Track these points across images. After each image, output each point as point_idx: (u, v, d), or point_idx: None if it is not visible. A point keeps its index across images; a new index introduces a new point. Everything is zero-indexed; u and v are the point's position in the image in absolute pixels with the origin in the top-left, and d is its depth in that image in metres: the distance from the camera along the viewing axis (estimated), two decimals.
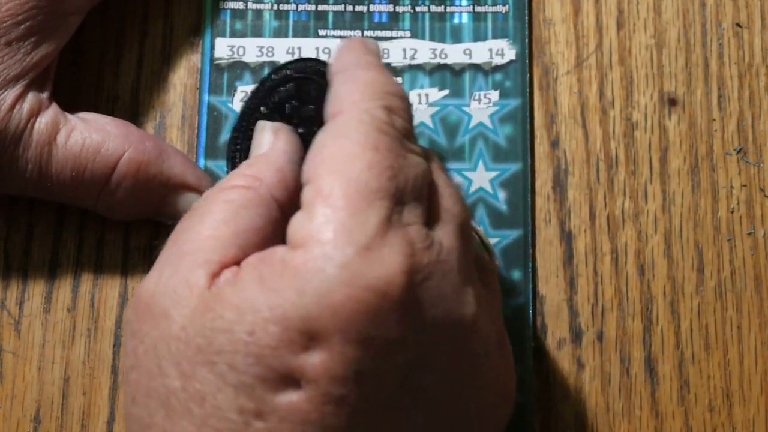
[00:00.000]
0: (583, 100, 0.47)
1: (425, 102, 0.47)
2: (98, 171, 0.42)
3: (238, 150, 0.42)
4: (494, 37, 0.47)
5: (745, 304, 0.45)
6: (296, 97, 0.41)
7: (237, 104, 0.47)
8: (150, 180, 0.43)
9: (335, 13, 0.48)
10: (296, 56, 0.47)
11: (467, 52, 0.47)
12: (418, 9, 0.48)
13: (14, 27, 0.42)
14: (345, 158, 0.34)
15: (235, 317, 0.32)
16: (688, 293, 0.45)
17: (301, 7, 0.48)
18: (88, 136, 0.42)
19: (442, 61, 0.47)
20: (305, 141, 0.39)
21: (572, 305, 0.45)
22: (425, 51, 0.47)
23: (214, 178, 0.45)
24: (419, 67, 0.47)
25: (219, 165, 0.46)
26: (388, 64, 0.47)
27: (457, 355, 0.35)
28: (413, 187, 0.35)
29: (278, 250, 0.34)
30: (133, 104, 0.47)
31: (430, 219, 0.36)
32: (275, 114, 0.42)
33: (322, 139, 0.35)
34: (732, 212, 0.46)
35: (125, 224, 0.45)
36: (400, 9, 0.48)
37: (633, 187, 0.46)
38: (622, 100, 0.47)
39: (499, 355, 0.37)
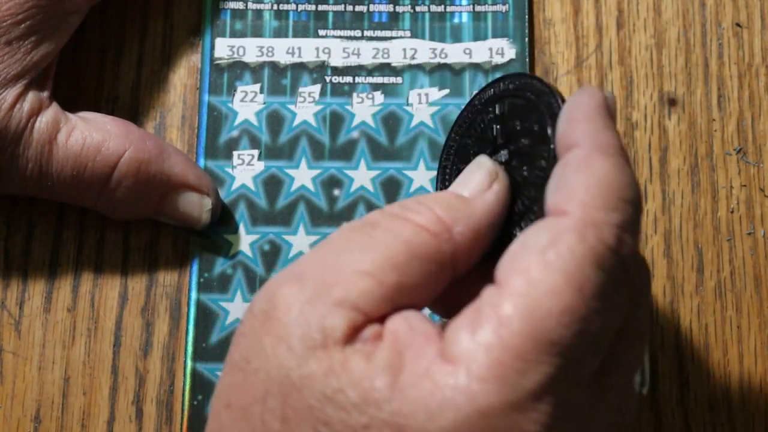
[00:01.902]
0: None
1: (425, 102, 0.47)
2: (99, 170, 0.42)
3: (457, 141, 0.39)
4: (494, 36, 0.47)
5: (744, 304, 0.45)
6: (520, 119, 0.37)
7: (237, 104, 0.47)
8: (150, 179, 0.43)
9: (335, 13, 0.48)
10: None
11: (467, 51, 0.47)
12: (418, 9, 0.48)
13: (14, 26, 0.42)
14: (542, 288, 0.30)
15: (356, 401, 0.30)
16: (687, 293, 0.45)
17: (301, 7, 0.48)
18: (88, 135, 0.42)
19: (442, 61, 0.47)
20: (512, 174, 0.36)
21: None
22: (425, 51, 0.47)
23: (214, 178, 0.45)
24: (419, 67, 0.47)
25: (219, 165, 0.46)
26: (388, 64, 0.47)
27: None
28: (599, 343, 0.31)
29: (428, 351, 0.31)
30: (133, 104, 0.47)
31: (602, 370, 0.32)
32: (498, 126, 0.37)
33: (533, 241, 0.31)
34: (732, 212, 0.46)
35: (125, 224, 0.45)
36: (400, 9, 0.48)
37: None
38: (622, 100, 0.47)
39: None
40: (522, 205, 0.35)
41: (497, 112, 0.38)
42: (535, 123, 0.36)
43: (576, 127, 0.33)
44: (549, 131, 0.34)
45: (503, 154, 0.37)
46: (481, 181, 0.35)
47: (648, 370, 0.39)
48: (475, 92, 0.40)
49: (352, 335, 0.31)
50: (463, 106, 0.40)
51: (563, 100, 0.35)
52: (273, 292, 0.32)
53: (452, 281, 0.34)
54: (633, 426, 0.42)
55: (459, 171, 0.37)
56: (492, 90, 0.38)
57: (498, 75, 0.47)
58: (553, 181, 0.33)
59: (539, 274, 0.30)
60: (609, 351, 0.32)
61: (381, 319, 0.32)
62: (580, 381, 0.31)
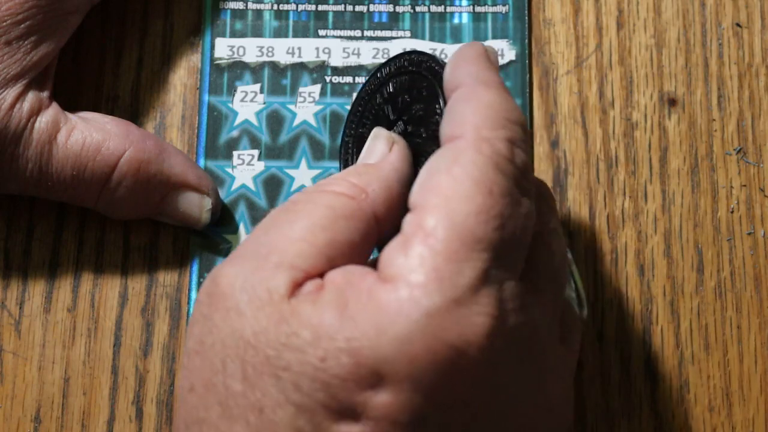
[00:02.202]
0: (582, 100, 0.47)
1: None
2: (99, 170, 0.42)
3: (351, 135, 0.42)
4: (494, 37, 0.47)
5: (744, 304, 0.45)
6: (408, 93, 0.40)
7: (237, 104, 0.47)
8: (150, 179, 0.43)
9: (335, 13, 0.48)
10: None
11: (456, 50, 0.47)
12: (418, 9, 0.48)
13: (14, 26, 0.42)
14: (455, 196, 0.33)
15: (309, 339, 0.32)
16: (687, 293, 0.45)
17: (301, 7, 0.48)
18: (88, 135, 0.42)
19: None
20: (411, 141, 0.39)
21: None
22: (423, 49, 0.47)
23: (214, 178, 0.46)
24: None
25: (219, 165, 0.46)
26: None
27: (520, 413, 0.34)
28: (518, 238, 0.34)
29: (367, 278, 0.33)
30: (133, 104, 0.47)
31: (527, 269, 0.35)
32: (389, 105, 0.40)
33: (437, 165, 0.34)
34: (732, 212, 0.46)
35: (125, 224, 0.45)
36: (400, 9, 0.48)
37: (633, 187, 0.46)
38: (622, 100, 0.47)
39: (559, 411, 0.36)
40: (425, 162, 0.38)
41: (385, 95, 0.41)
42: (423, 89, 0.39)
43: (459, 70, 0.37)
44: (437, 88, 0.38)
45: (399, 126, 0.40)
46: (381, 148, 0.38)
47: (583, 293, 0.41)
48: (358, 89, 0.42)
49: (294, 290, 0.33)
50: (351, 104, 0.42)
51: (443, 62, 0.38)
52: (214, 275, 0.35)
53: (386, 233, 0.36)
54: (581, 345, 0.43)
55: None
56: (374, 79, 0.41)
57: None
58: (445, 117, 0.36)
59: (450, 187, 0.33)
60: (530, 251, 0.35)
61: (320, 276, 0.34)
62: (511, 274, 0.33)
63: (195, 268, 0.45)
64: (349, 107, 0.42)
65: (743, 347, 0.45)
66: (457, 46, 0.47)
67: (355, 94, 0.43)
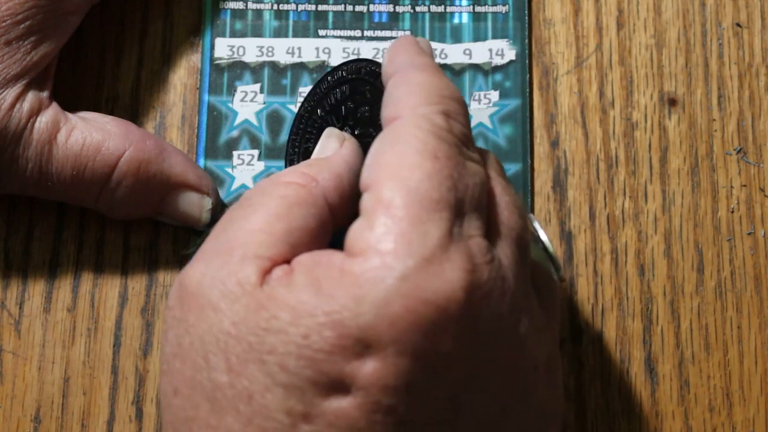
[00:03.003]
0: (583, 100, 0.47)
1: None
2: (99, 170, 0.42)
3: (296, 153, 0.42)
4: (494, 37, 0.47)
5: (745, 304, 0.45)
6: (351, 99, 0.41)
7: (237, 104, 0.47)
8: (150, 179, 0.43)
9: (335, 13, 0.48)
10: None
11: (467, 52, 0.47)
12: (418, 9, 0.48)
13: (14, 26, 0.42)
14: (404, 166, 0.34)
15: (290, 319, 0.32)
16: (688, 293, 0.45)
17: (301, 7, 0.48)
18: (88, 135, 0.42)
19: (442, 61, 0.47)
20: (361, 143, 0.40)
21: (572, 305, 0.45)
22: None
23: (214, 178, 0.46)
24: None
25: (219, 165, 0.46)
26: None
27: (507, 374, 0.34)
28: (472, 197, 0.34)
29: (335, 256, 0.33)
30: (133, 104, 0.47)
31: (489, 231, 0.35)
32: (332, 116, 0.41)
33: (381, 146, 0.35)
34: (732, 212, 0.46)
35: (125, 224, 0.45)
36: (400, 9, 0.48)
37: (633, 187, 0.46)
38: (622, 100, 0.47)
39: (547, 376, 0.36)
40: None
41: (326, 107, 0.42)
42: (366, 92, 0.40)
43: (393, 61, 0.39)
44: (380, 87, 0.39)
45: (347, 131, 0.41)
46: (333, 144, 0.40)
47: (554, 254, 0.41)
48: (297, 109, 0.43)
49: (264, 277, 0.34)
50: (290, 125, 0.43)
51: (380, 63, 0.40)
52: (180, 280, 0.35)
53: (340, 223, 0.37)
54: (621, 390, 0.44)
55: None
56: (315, 95, 0.42)
57: (498, 75, 0.47)
58: (383, 103, 0.37)
59: (397, 161, 0.34)
60: (487, 216, 0.35)
61: (287, 262, 0.34)
62: (475, 232, 0.34)
63: None
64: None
65: (743, 347, 0.45)
66: (457, 45, 0.47)
67: (291, 118, 0.44)
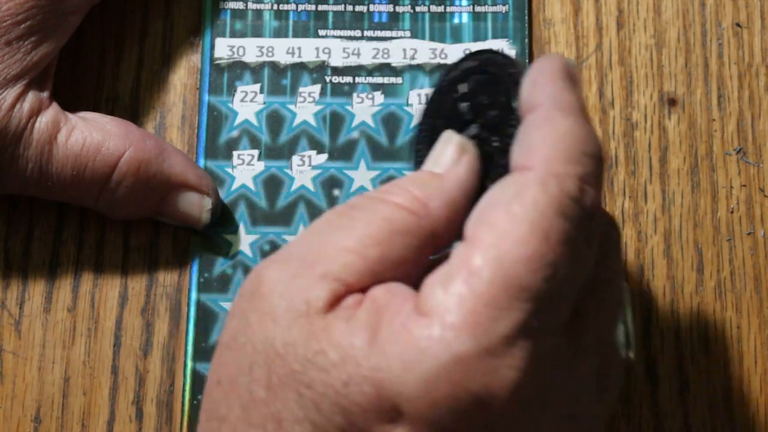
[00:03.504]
0: (582, 100, 0.47)
1: (425, 102, 0.47)
2: (99, 170, 0.42)
3: (428, 125, 0.40)
4: (494, 37, 0.47)
5: (744, 304, 0.45)
6: (486, 94, 0.38)
7: (237, 104, 0.47)
8: (150, 179, 0.43)
9: (335, 13, 0.48)
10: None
11: (467, 52, 0.47)
12: (418, 9, 0.48)
13: (14, 26, 0.42)
14: (509, 237, 0.31)
15: (336, 360, 0.31)
16: (688, 293, 0.45)
17: (301, 7, 0.48)
18: (88, 135, 0.42)
19: (442, 61, 0.47)
20: (483, 147, 0.37)
21: None
22: (425, 51, 0.47)
23: (214, 178, 0.45)
24: (419, 67, 0.47)
25: (219, 165, 0.46)
26: (388, 65, 0.47)
27: None
28: (568, 292, 0.32)
29: (405, 306, 0.32)
30: (133, 104, 0.47)
31: (573, 323, 0.33)
32: (466, 102, 0.39)
33: (499, 196, 0.32)
34: (732, 212, 0.46)
35: (125, 224, 0.45)
36: (400, 9, 0.48)
37: (633, 187, 0.46)
38: (622, 100, 0.47)
39: None
40: (496, 174, 0.36)
41: (464, 90, 0.39)
42: (501, 94, 0.37)
43: (537, 89, 0.35)
44: (514, 99, 0.36)
45: (473, 128, 0.38)
46: (450, 155, 0.36)
47: (632, 334, 0.39)
48: (440, 75, 0.40)
49: (334, 304, 0.32)
50: (431, 91, 0.41)
51: (524, 69, 0.36)
52: (259, 273, 0.34)
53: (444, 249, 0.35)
54: (620, 390, 0.42)
55: None
56: (456, 70, 0.39)
57: None
58: (517, 142, 0.34)
59: (506, 226, 0.31)
60: (578, 303, 0.33)
61: (363, 290, 0.33)
62: (552, 328, 0.31)
63: (195, 268, 0.45)
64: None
65: (743, 347, 0.45)
66: (457, 45, 0.47)
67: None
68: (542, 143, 0.33)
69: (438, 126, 0.40)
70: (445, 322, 0.30)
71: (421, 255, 0.34)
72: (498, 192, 0.33)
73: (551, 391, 0.32)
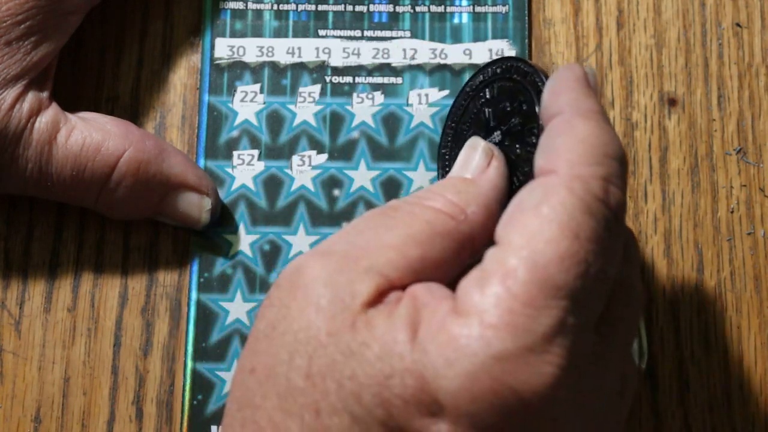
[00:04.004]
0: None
1: (425, 102, 0.47)
2: (98, 170, 0.42)
3: (453, 129, 0.41)
4: (494, 37, 0.47)
5: (744, 304, 0.45)
6: (510, 101, 0.39)
7: (237, 104, 0.47)
8: (150, 179, 0.43)
9: (335, 13, 0.48)
10: (294, 56, 0.47)
11: (467, 52, 0.47)
12: (418, 9, 0.48)
13: (14, 26, 0.42)
14: (540, 238, 0.32)
15: (379, 353, 0.32)
16: (688, 293, 0.45)
17: (301, 7, 0.48)
18: (88, 135, 0.42)
19: (442, 61, 0.47)
20: (506, 154, 0.38)
21: None
22: (425, 51, 0.47)
23: (214, 178, 0.46)
24: (419, 67, 0.47)
25: (219, 165, 0.46)
26: (388, 65, 0.47)
27: None
28: (600, 288, 0.33)
29: (443, 305, 0.32)
30: (133, 104, 0.47)
31: (603, 321, 0.33)
32: (490, 108, 0.40)
33: (526, 200, 0.33)
34: (732, 212, 0.46)
35: (125, 224, 0.45)
36: (400, 9, 0.48)
37: (633, 187, 0.46)
38: (622, 100, 0.47)
39: None
40: (518, 181, 0.37)
41: (488, 96, 0.40)
42: (523, 102, 0.38)
43: (558, 97, 0.36)
44: (536, 108, 0.37)
45: (497, 135, 0.39)
46: (479, 161, 0.38)
47: (645, 343, 0.40)
48: (466, 79, 0.41)
49: (377, 298, 0.33)
50: (456, 95, 0.42)
51: (547, 77, 0.37)
52: (300, 265, 0.34)
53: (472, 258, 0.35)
54: (633, 402, 0.43)
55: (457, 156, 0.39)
56: (481, 75, 0.41)
57: None
58: (540, 147, 0.35)
59: (536, 227, 0.32)
60: (607, 305, 0.33)
61: (403, 288, 0.34)
62: (587, 326, 0.32)
63: (195, 268, 0.45)
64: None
65: (743, 347, 0.45)
66: (457, 46, 0.47)
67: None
68: (565, 148, 0.34)
69: (463, 131, 0.41)
70: (483, 322, 0.31)
71: (459, 258, 0.35)
72: (525, 196, 0.33)
73: (586, 389, 0.32)
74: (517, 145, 0.38)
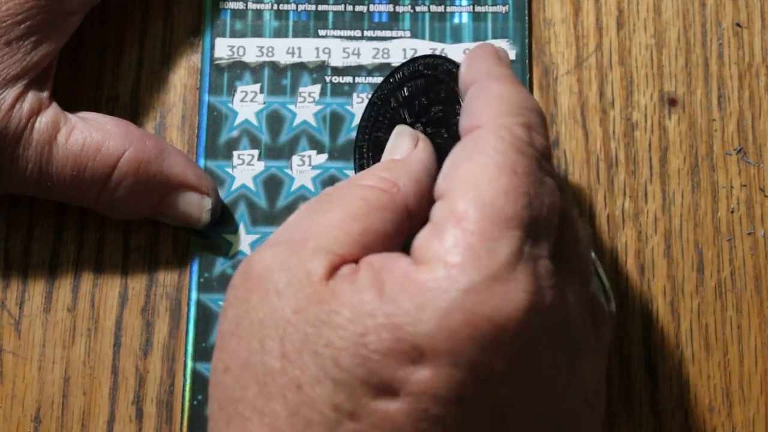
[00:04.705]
0: (583, 100, 0.47)
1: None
2: (99, 170, 0.42)
3: (366, 141, 0.42)
4: (494, 37, 0.47)
5: (745, 304, 0.45)
6: (425, 95, 0.41)
7: (237, 104, 0.47)
8: (150, 179, 0.43)
9: (335, 13, 0.48)
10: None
11: (467, 52, 0.47)
12: (418, 9, 0.48)
13: (14, 26, 0.42)
14: (482, 179, 0.34)
15: (350, 316, 0.32)
16: (688, 293, 0.45)
17: (301, 7, 0.48)
18: (88, 135, 0.42)
19: None
20: (433, 142, 0.39)
21: None
22: (425, 51, 0.47)
23: (214, 178, 0.46)
24: None
25: (219, 165, 0.46)
26: (388, 64, 0.47)
27: (556, 400, 0.34)
28: (547, 216, 0.34)
29: (402, 260, 0.33)
30: (133, 104, 0.47)
31: (556, 253, 0.35)
32: (404, 108, 0.41)
33: (459, 155, 0.35)
34: (732, 212, 0.46)
35: (125, 224, 0.45)
36: (400, 9, 0.48)
37: (633, 187, 0.46)
38: (622, 100, 0.47)
39: (594, 405, 0.36)
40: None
41: (400, 98, 0.41)
42: (441, 90, 0.40)
43: (472, 68, 0.38)
44: (456, 89, 0.39)
45: (418, 128, 0.40)
46: (406, 143, 0.39)
47: (608, 284, 0.41)
48: (371, 94, 0.43)
49: (332, 272, 0.34)
50: (363, 111, 0.43)
51: (457, 64, 0.39)
52: (248, 261, 0.35)
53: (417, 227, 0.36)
54: (620, 389, 0.43)
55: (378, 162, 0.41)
56: (386, 85, 0.42)
57: None
58: (462, 112, 0.37)
59: (475, 172, 0.34)
60: (557, 236, 0.35)
61: (356, 262, 0.35)
62: (543, 253, 0.34)
63: (195, 268, 0.45)
64: (362, 109, 0.43)
65: (743, 347, 0.45)
66: (457, 45, 0.47)
67: (364, 101, 0.44)
68: (485, 105, 0.36)
69: (379, 138, 0.42)
70: (447, 262, 0.32)
71: (399, 229, 0.36)
72: (457, 151, 0.35)
73: (556, 316, 0.33)
74: (443, 130, 0.39)
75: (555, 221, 0.35)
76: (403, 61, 0.44)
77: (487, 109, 0.36)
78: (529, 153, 0.35)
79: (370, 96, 0.43)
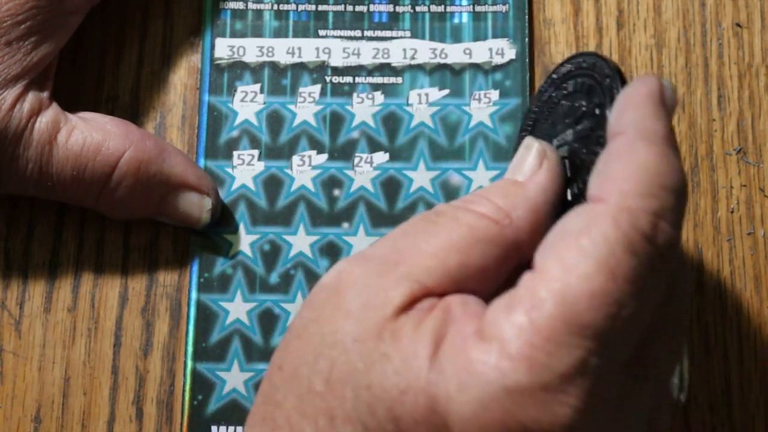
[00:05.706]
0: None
1: (425, 102, 0.47)
2: (99, 170, 0.42)
3: (529, 125, 0.40)
4: (494, 36, 0.47)
5: (745, 304, 0.45)
6: (585, 99, 0.37)
7: (237, 104, 0.47)
8: (150, 179, 0.43)
9: (335, 13, 0.48)
10: (300, 55, 0.47)
11: (467, 51, 0.47)
12: (418, 9, 0.48)
13: (14, 27, 0.42)
14: (574, 272, 0.30)
15: (398, 366, 0.31)
16: None
17: (301, 7, 0.48)
18: (88, 135, 0.43)
19: (442, 61, 0.47)
20: (572, 156, 0.37)
21: None
22: (425, 51, 0.47)
23: (214, 178, 0.45)
24: (419, 67, 0.47)
25: (219, 165, 0.46)
26: (388, 64, 0.47)
27: None
28: (631, 332, 0.31)
29: (469, 326, 0.31)
30: (133, 104, 0.47)
31: (634, 360, 0.32)
32: (565, 102, 0.38)
33: (569, 226, 0.32)
34: (732, 212, 0.46)
35: (125, 224, 0.45)
36: (400, 9, 0.48)
37: None
38: None
39: None
40: (577, 188, 0.36)
41: (570, 89, 0.38)
42: (597, 106, 0.36)
43: (624, 115, 0.34)
44: (607, 116, 0.35)
45: (569, 134, 0.37)
46: (531, 163, 0.36)
47: (687, 376, 0.39)
48: (556, 64, 0.40)
49: (410, 305, 0.32)
50: (544, 79, 0.40)
51: (624, 85, 0.35)
52: (341, 269, 0.34)
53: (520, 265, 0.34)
54: None
55: None
56: (569, 65, 0.39)
57: (498, 76, 0.47)
58: (596, 170, 0.33)
59: (573, 260, 0.31)
60: (642, 342, 0.32)
61: (442, 295, 0.33)
62: (612, 368, 0.31)
63: (195, 268, 0.45)
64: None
65: (743, 347, 0.45)
66: (457, 45, 0.47)
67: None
68: (619, 175, 0.32)
69: (541, 120, 0.39)
70: (502, 351, 0.30)
71: (504, 264, 0.34)
72: (569, 223, 0.32)
73: (603, 431, 0.31)
74: (584, 150, 0.36)
75: (641, 333, 0.32)
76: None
77: (619, 181, 0.32)
78: (643, 253, 0.31)
79: (555, 67, 0.40)
